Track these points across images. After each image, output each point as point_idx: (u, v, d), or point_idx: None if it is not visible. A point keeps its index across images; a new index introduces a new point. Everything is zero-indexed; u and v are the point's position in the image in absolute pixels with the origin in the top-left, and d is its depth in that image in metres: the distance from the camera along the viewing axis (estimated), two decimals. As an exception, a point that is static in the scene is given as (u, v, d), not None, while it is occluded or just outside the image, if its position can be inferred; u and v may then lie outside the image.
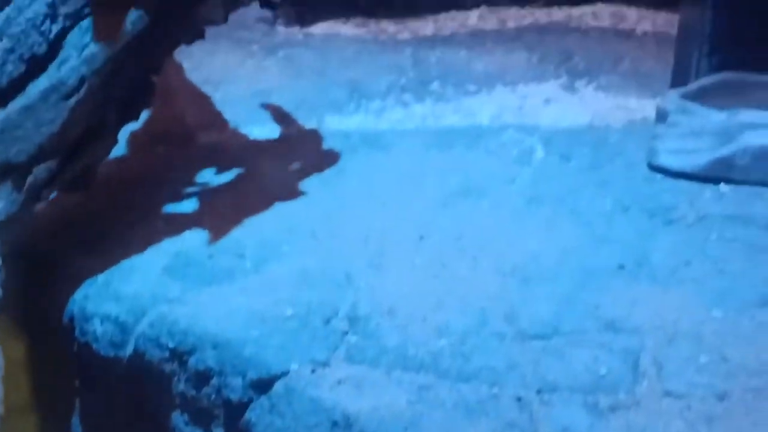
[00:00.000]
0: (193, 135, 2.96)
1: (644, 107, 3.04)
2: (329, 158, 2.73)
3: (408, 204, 2.41)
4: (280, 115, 3.06)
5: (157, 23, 2.19)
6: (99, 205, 2.41)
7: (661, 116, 2.67)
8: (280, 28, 3.64)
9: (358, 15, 3.76)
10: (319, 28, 3.69)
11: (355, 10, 3.78)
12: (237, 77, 3.27)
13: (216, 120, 3.05)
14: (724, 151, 2.50)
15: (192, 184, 2.59)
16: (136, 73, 2.24)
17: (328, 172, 2.64)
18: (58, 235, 2.28)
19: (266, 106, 3.11)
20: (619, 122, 2.97)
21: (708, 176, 2.51)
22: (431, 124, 3.00)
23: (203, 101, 3.13)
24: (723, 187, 2.47)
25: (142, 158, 2.76)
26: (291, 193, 2.52)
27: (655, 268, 2.13)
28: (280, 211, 2.43)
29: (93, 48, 2.08)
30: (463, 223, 2.31)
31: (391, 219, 2.34)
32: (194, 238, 2.30)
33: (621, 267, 2.12)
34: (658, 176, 2.57)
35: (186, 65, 3.26)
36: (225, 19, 2.41)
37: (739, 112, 2.52)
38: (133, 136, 2.79)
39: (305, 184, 2.57)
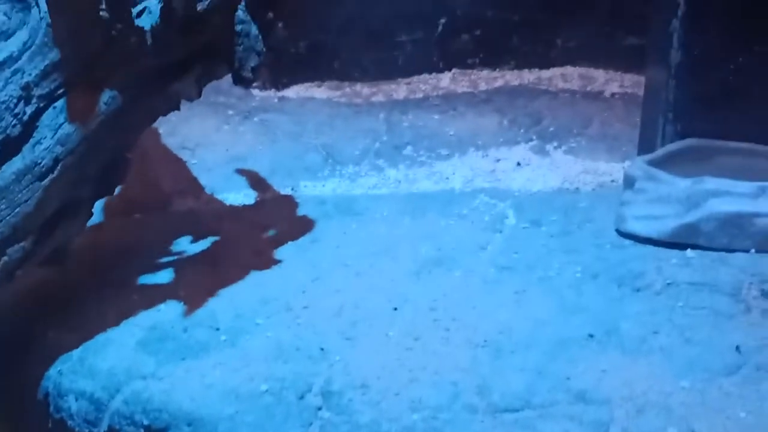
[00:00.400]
0: (169, 201, 2.99)
1: (612, 170, 3.11)
2: (304, 225, 2.76)
3: (381, 274, 2.44)
4: (256, 181, 3.11)
5: (132, 101, 2.23)
6: (73, 278, 2.42)
7: (629, 182, 2.72)
8: (256, 92, 3.69)
9: (332, 78, 3.83)
10: (294, 92, 3.74)
11: (330, 73, 3.84)
12: (213, 142, 3.31)
13: (192, 186, 3.08)
14: (690, 217, 2.55)
15: (168, 253, 2.61)
16: (111, 150, 2.27)
17: (302, 240, 2.67)
18: (32, 310, 2.29)
19: (242, 172, 3.16)
20: (589, 186, 3.03)
21: (675, 242, 2.56)
22: (405, 189, 3.05)
23: (179, 167, 3.16)
24: (689, 252, 2.52)
25: (117, 226, 2.79)
26: (266, 262, 2.55)
27: (623, 337, 2.16)
28: (255, 281, 2.45)
29: (67, 128, 2.11)
30: (435, 293, 2.34)
31: (365, 290, 2.36)
32: (169, 311, 2.31)
33: (591, 337, 2.15)
34: (627, 242, 2.62)
35: (162, 130, 3.30)
36: (199, 95, 2.44)
37: (704, 180, 2.58)
38: (109, 202, 2.81)
39: (280, 253, 2.60)
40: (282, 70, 3.77)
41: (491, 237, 2.67)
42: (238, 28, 2.36)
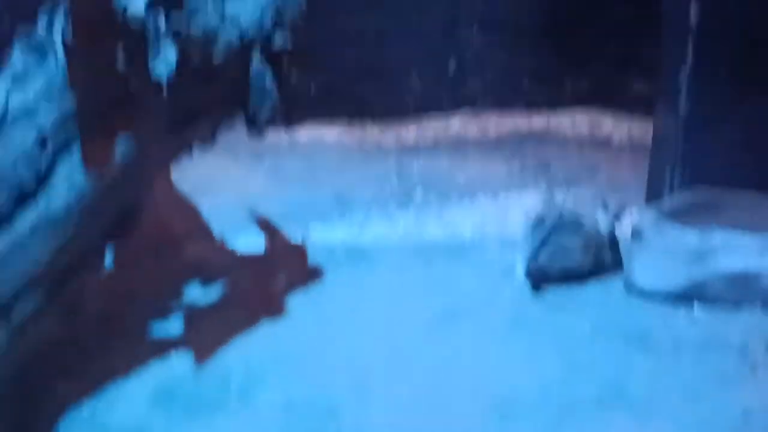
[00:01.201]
0: (180, 246, 3.00)
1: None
2: (314, 274, 2.78)
3: (392, 328, 2.46)
4: (267, 226, 3.12)
5: (147, 150, 2.25)
6: (85, 328, 2.43)
7: (636, 235, 2.74)
8: (267, 134, 3.70)
9: (343, 120, 3.85)
10: (305, 133, 3.76)
11: (341, 115, 3.86)
12: (224, 185, 3.33)
13: (203, 231, 3.10)
14: (697, 272, 2.57)
15: (179, 301, 2.63)
16: (126, 198, 2.29)
17: (313, 291, 2.69)
18: (43, 362, 2.30)
19: (253, 216, 3.17)
20: (598, 236, 3.04)
21: (682, 297, 2.58)
22: (415, 236, 3.06)
23: (191, 211, 3.18)
24: (697, 308, 2.54)
25: (128, 273, 2.80)
26: (276, 311, 2.57)
27: (632, 398, 2.17)
28: (265, 332, 2.47)
29: (82, 178, 2.12)
30: (445, 349, 2.35)
31: (375, 345, 2.38)
32: (180, 363, 2.33)
33: (599, 398, 2.16)
34: (635, 296, 2.63)
35: (175, 173, 3.32)
36: (214, 141, 2.47)
37: (712, 233, 2.59)
38: (120, 248, 2.83)
39: (291, 303, 2.62)
40: (293, 111, 3.79)
41: (501, 289, 2.68)
42: (253, 77, 2.39)
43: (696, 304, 2.55)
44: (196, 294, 2.68)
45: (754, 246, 2.56)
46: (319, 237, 3.07)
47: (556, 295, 2.64)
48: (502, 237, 3.02)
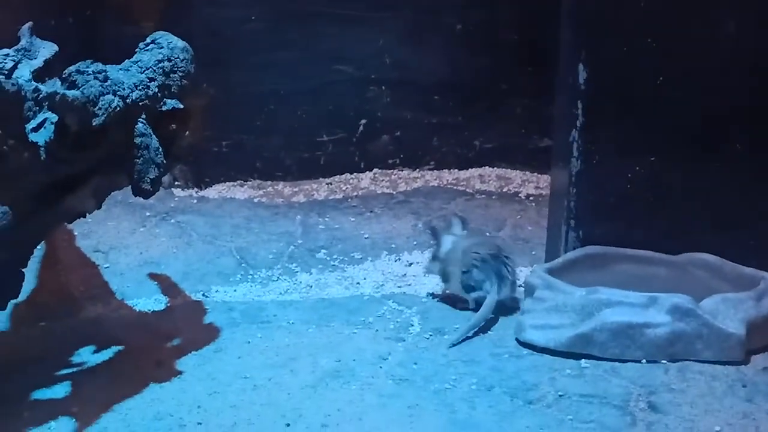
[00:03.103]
0: (78, 307, 2.99)
1: (521, 275, 3.16)
2: (209, 334, 2.77)
3: (279, 387, 2.45)
4: (167, 286, 3.12)
5: (24, 216, 2.25)
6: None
7: (529, 291, 2.78)
8: (177, 191, 3.72)
9: (254, 177, 3.88)
10: (215, 191, 3.78)
11: (252, 173, 3.89)
12: (127, 245, 3.33)
13: (103, 291, 3.09)
14: (584, 327, 2.60)
15: (68, 364, 2.61)
16: (2, 265, 2.28)
17: (205, 350, 2.68)
18: None
19: (154, 277, 3.17)
20: (497, 291, 3.08)
21: (570, 351, 2.61)
22: (315, 295, 3.08)
23: (91, 271, 3.18)
24: (584, 362, 2.57)
25: (21, 335, 2.78)
26: (166, 373, 2.55)
27: (511, 454, 2.19)
28: (152, 395, 2.45)
29: (-47, 245, 2.13)
30: (330, 408, 2.35)
31: (261, 404, 2.37)
32: (60, 428, 2.30)
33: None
34: (525, 351, 2.66)
35: (77, 231, 3.32)
36: (98, 206, 2.48)
37: (597, 290, 2.63)
38: (17, 308, 2.82)
39: (182, 363, 2.60)
40: (203, 169, 3.82)
41: (394, 347, 2.69)
42: (138, 140, 2.40)
43: (583, 358, 2.59)
44: (88, 357, 2.66)
45: (638, 301, 2.60)
46: (219, 296, 3.08)
47: (447, 352, 2.66)
48: (401, 296, 3.05)
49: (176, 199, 3.62)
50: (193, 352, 2.67)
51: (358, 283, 3.15)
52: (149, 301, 3.04)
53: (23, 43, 2.51)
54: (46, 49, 2.54)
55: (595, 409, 2.36)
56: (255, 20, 3.79)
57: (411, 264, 3.27)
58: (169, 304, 3.02)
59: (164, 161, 2.46)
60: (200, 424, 2.31)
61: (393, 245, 3.37)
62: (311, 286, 3.13)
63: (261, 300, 3.03)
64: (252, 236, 3.41)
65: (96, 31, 3.71)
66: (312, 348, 2.68)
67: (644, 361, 2.56)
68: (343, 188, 3.80)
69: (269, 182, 3.86)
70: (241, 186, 3.84)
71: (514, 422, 2.31)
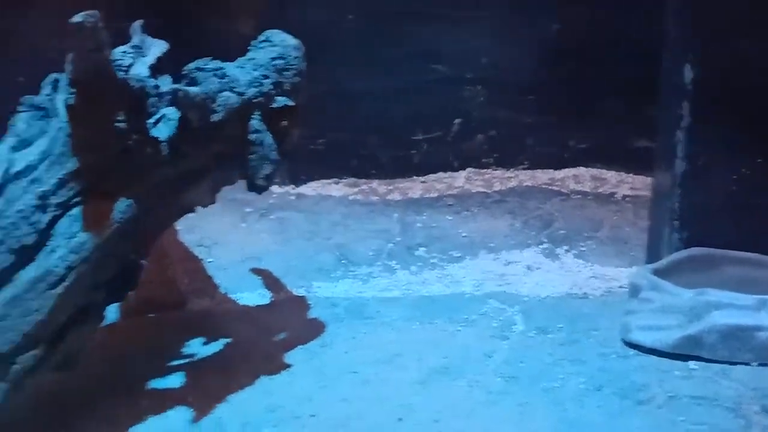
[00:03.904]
0: (184, 301, 3.05)
1: (621, 276, 3.16)
2: (315, 329, 2.81)
3: (388, 382, 2.48)
4: (270, 281, 3.16)
5: (146, 209, 2.31)
6: (85, 381, 2.47)
7: (634, 291, 2.76)
8: (274, 188, 3.76)
9: (349, 175, 3.90)
10: (311, 188, 3.82)
11: (347, 171, 3.92)
12: (229, 240, 3.38)
13: (208, 285, 3.15)
14: (693, 329, 2.58)
15: (180, 355, 2.67)
16: (124, 257, 2.34)
17: (312, 344, 2.72)
18: (42, 416, 2.33)
19: (256, 272, 3.22)
20: (597, 291, 3.08)
21: (678, 353, 2.60)
22: (416, 292, 3.10)
23: (195, 265, 3.23)
24: (692, 364, 2.56)
25: (132, 327, 2.85)
26: (276, 367, 2.60)
27: (625, 454, 2.19)
28: (263, 387, 2.49)
29: (82, 237, 2.18)
30: (440, 404, 2.37)
31: (371, 399, 2.40)
32: (178, 417, 2.36)
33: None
34: (631, 352, 2.65)
35: (180, 227, 3.37)
36: (213, 201, 2.53)
37: (706, 291, 2.61)
38: (126, 300, 2.88)
39: (290, 357, 2.65)
40: (300, 166, 3.85)
41: (498, 345, 2.71)
42: (253, 137, 2.44)
43: (692, 360, 2.57)
44: (198, 349, 2.72)
45: (749, 303, 2.58)
46: (321, 292, 3.11)
47: (553, 351, 2.66)
48: (502, 294, 3.06)
49: (274, 196, 3.65)
50: (299, 347, 2.71)
51: (458, 281, 3.16)
52: (252, 295, 3.09)
53: (135, 40, 2.56)
54: (157, 47, 2.58)
55: (706, 411, 2.34)
56: (351, 19, 3.82)
57: (509, 263, 3.27)
58: (272, 299, 3.06)
59: (278, 158, 2.51)
60: (313, 416, 2.35)
61: (491, 244, 3.38)
62: (411, 284, 3.15)
63: (363, 296, 3.06)
64: (350, 233, 3.44)
65: (192, 30, 3.76)
66: (417, 344, 2.70)
67: (755, 364, 2.53)
68: (438, 187, 3.81)
69: (364, 180, 3.88)
70: (336, 183, 3.87)
71: (625, 422, 2.31)
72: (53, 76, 2.40)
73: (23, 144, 2.22)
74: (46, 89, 2.37)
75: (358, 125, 3.92)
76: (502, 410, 2.35)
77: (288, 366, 2.60)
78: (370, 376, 2.53)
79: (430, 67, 3.88)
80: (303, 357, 2.65)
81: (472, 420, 2.30)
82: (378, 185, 3.88)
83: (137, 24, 2.61)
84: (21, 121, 2.28)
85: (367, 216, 3.58)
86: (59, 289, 2.13)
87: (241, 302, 3.05)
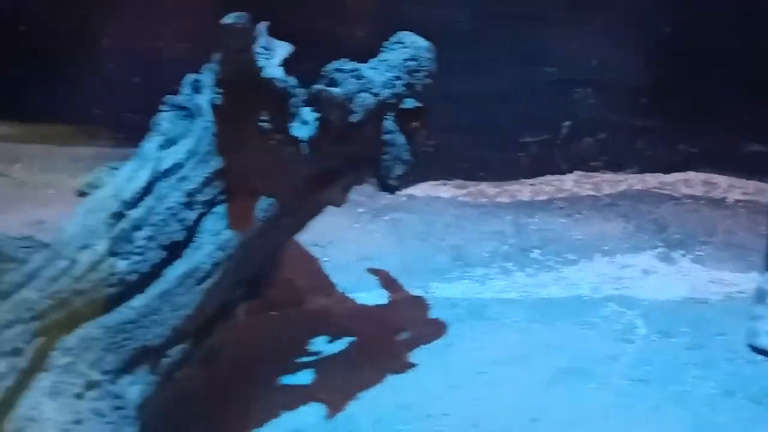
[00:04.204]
0: (303, 299, 3.09)
1: (739, 281, 3.12)
2: (437, 329, 2.83)
3: (516, 383, 2.50)
4: (387, 281, 3.19)
5: (286, 208, 2.35)
6: (218, 375, 2.51)
7: (761, 297, 2.74)
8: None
9: (457, 177, 3.92)
10: (421, 190, 3.83)
11: (455, 173, 3.93)
12: (344, 240, 3.41)
13: (325, 284, 3.18)
14: (825, 335, 2.56)
15: (306, 353, 2.71)
16: (264, 255, 2.39)
17: (436, 344, 2.74)
18: (185, 407, 2.38)
19: (373, 271, 3.25)
20: (717, 296, 3.05)
21: (809, 359, 2.57)
22: (534, 294, 3.09)
23: (312, 265, 3.27)
24: (824, 371, 2.53)
25: (257, 325, 2.89)
26: (402, 365, 2.62)
27: (763, 459, 2.17)
28: (392, 385, 2.52)
29: (227, 234, 2.22)
30: (571, 405, 2.38)
31: (501, 399, 2.42)
32: (311, 413, 2.40)
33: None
34: (759, 358, 2.63)
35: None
36: (346, 201, 2.56)
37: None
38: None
39: (415, 356, 2.67)
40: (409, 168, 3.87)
41: (623, 347, 2.70)
42: (386, 137, 2.47)
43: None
44: (323, 346, 2.75)
45: None
46: (439, 292, 3.13)
47: (679, 354, 2.65)
48: (620, 297, 3.05)
49: (386, 197, 3.67)
50: (423, 346, 2.73)
51: (575, 283, 3.15)
52: (370, 294, 3.11)
53: (262, 42, 2.60)
54: (282, 48, 2.62)
55: (843, 417, 2.32)
56: (463, 21, 3.83)
57: (625, 266, 3.26)
58: (390, 299, 3.09)
59: (409, 158, 2.53)
60: (446, 415, 2.37)
61: (605, 247, 3.36)
62: (528, 285, 3.15)
63: (481, 297, 3.07)
64: (464, 234, 3.45)
65: (307, 31, 3.80)
66: (542, 346, 2.71)
67: None
68: (546, 189, 3.80)
69: (472, 182, 3.89)
70: (444, 185, 3.89)
71: (762, 429, 2.29)
72: (192, 76, 2.46)
73: (169, 143, 2.27)
74: (186, 89, 2.43)
75: (467, 127, 3.93)
76: (636, 413, 2.35)
77: (414, 365, 2.63)
78: (498, 376, 2.54)
79: (541, 69, 3.88)
80: (428, 356, 2.67)
81: (608, 422, 2.31)
82: (486, 187, 3.89)
83: (263, 25, 2.66)
84: (165, 121, 2.33)
85: (479, 218, 3.59)
86: (206, 285, 2.17)
87: (360, 301, 3.08)
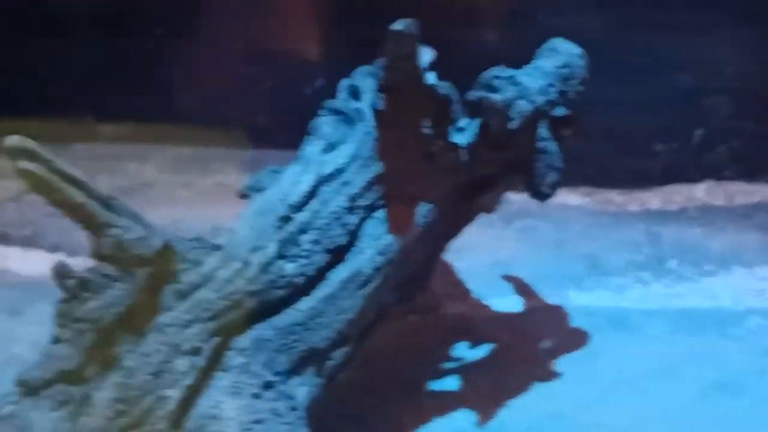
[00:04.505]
0: (439, 304, 3.10)
1: None
2: (578, 338, 2.81)
3: (666, 395, 2.47)
4: (522, 288, 3.18)
5: (443, 215, 2.36)
6: (368, 378, 2.53)
7: None
8: (514, 197, 3.77)
9: (585, 184, 3.89)
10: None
11: (583, 180, 3.91)
12: (477, 246, 3.40)
13: (459, 289, 3.18)
14: None
15: (449, 358, 2.71)
16: (420, 260, 2.40)
17: (579, 353, 2.73)
18: (341, 410, 2.41)
19: (507, 278, 3.24)
20: None
21: None
22: (673, 305, 3.06)
23: (447, 270, 3.27)
24: None
25: (397, 328, 2.90)
26: (547, 373, 2.61)
27: None
28: (539, 392, 2.51)
29: (387, 239, 2.24)
30: (726, 420, 2.34)
31: (653, 411, 2.39)
32: (462, 419, 2.40)
33: None
34: None
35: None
36: (496, 208, 2.57)
37: None
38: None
39: (559, 365, 2.66)
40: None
41: (772, 362, 2.66)
42: (540, 144, 2.47)
43: None
44: (465, 352, 2.76)
45: None
46: (575, 301, 3.11)
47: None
48: (765, 311, 2.99)
49: (516, 203, 3.66)
50: (566, 354, 2.72)
51: (715, 295, 3.11)
52: (505, 301, 3.10)
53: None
54: (426, 54, 2.63)
55: None
56: (597, 29, 3.80)
57: (765, 279, 3.20)
58: (527, 306, 3.08)
59: (562, 166, 2.53)
60: (599, 425, 2.35)
61: (743, 258, 3.31)
62: (667, 296, 3.12)
63: (619, 307, 3.04)
64: (597, 243, 3.43)
65: (440, 37, 3.81)
66: (688, 358, 2.67)
67: None
68: (676, 199, 3.76)
69: (600, 189, 3.86)
70: (572, 192, 3.86)
71: None
72: (348, 81, 2.49)
73: (330, 147, 2.30)
74: (342, 94, 2.46)
75: (596, 134, 3.89)
76: (797, 430, 2.31)
77: (560, 373, 2.61)
78: (647, 387, 2.52)
79: (674, 76, 3.84)
80: (572, 365, 2.66)
81: (767, 437, 2.27)
82: (615, 195, 3.86)
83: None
84: (325, 125, 2.36)
85: (611, 226, 3.56)
86: (367, 290, 2.19)
87: (495, 308, 3.08)
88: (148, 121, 4.00)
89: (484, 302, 3.11)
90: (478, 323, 2.97)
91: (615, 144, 3.91)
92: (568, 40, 2.69)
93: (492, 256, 3.37)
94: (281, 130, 4.01)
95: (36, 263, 3.27)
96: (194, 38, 3.97)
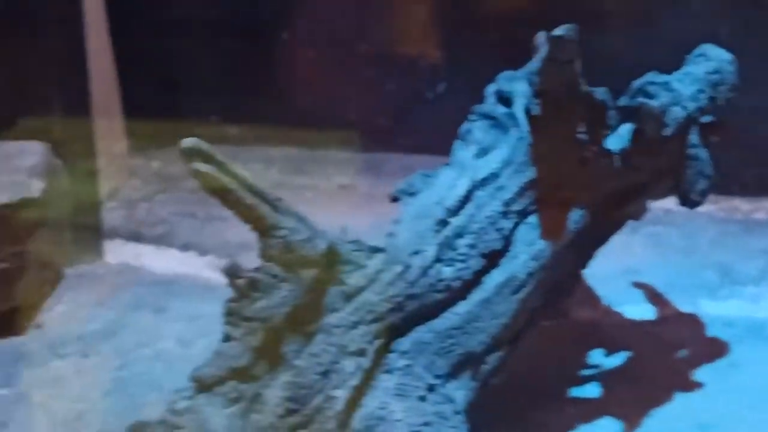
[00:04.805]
0: (569, 310, 3.07)
1: None
2: (716, 348, 2.77)
3: (818, 411, 2.42)
4: (653, 296, 3.14)
5: (594, 222, 2.34)
6: (506, 383, 2.52)
7: None
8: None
9: (712, 191, 3.83)
10: (674, 203, 3.76)
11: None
12: (605, 253, 3.33)
13: (589, 296, 3.16)
14: None
15: (586, 365, 2.69)
16: (570, 266, 2.39)
17: (720, 363, 2.69)
18: (487, 411, 2.41)
19: (637, 285, 3.20)
20: None
21: None
22: (813, 319, 3.01)
23: (576, 276, 3.25)
24: None
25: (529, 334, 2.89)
26: (688, 383, 2.58)
27: None
28: (683, 403, 2.48)
29: (540, 244, 2.23)
30: None
31: (806, 424, 2.35)
32: (607, 427, 2.38)
33: None
34: None
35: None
36: (644, 215, 2.54)
37: None
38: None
39: (700, 375, 2.62)
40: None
41: None
42: (690, 151, 2.44)
43: None
44: (601, 359, 2.73)
45: None
46: (709, 310, 3.06)
47: None
48: None
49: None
50: (706, 365, 2.68)
51: None
52: (637, 308, 3.07)
53: (543, 52, 2.60)
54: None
55: None
56: (725, 33, 3.74)
57: None
58: (660, 314, 3.04)
59: (712, 173, 2.50)
60: (751, 438, 2.33)
61: None
62: (807, 307, 3.07)
63: (756, 317, 2.99)
64: (728, 251, 3.37)
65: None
66: (837, 374, 2.62)
67: None
68: (809, 208, 3.70)
69: (724, 197, 3.80)
70: (696, 199, 3.81)
71: None
72: (495, 86, 2.49)
73: (483, 152, 2.30)
74: (490, 99, 2.46)
75: (722, 141, 3.84)
76: None
77: (701, 384, 2.58)
78: (796, 398, 2.48)
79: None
80: (714, 376, 2.62)
81: None
82: (740, 203, 3.80)
83: (542, 36, 2.66)
84: (477, 130, 2.36)
85: (741, 234, 3.50)
86: (521, 295, 2.19)
87: (627, 315, 3.05)
88: (270, 123, 4.06)
89: (615, 309, 3.08)
90: (610, 330, 2.94)
91: (742, 152, 3.84)
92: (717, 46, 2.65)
93: (621, 263, 3.33)
94: (402, 133, 4.05)
95: (169, 261, 3.34)
96: (318, 42, 4.01)
